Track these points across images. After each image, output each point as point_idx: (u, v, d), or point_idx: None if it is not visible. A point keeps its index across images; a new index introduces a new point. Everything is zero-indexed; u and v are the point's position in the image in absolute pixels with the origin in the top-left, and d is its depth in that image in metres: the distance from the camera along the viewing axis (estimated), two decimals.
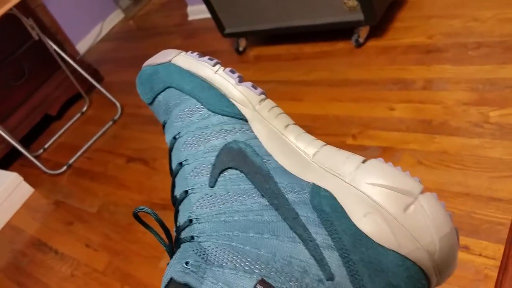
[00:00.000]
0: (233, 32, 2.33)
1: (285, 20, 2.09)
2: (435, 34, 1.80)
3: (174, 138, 0.43)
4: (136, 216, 0.40)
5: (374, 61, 1.86)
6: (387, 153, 1.46)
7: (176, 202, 0.40)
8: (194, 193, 0.39)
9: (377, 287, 0.30)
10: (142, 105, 2.38)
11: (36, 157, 2.45)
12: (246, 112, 0.41)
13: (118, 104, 2.60)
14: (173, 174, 0.42)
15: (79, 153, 2.43)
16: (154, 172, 2.02)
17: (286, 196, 0.35)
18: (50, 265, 1.85)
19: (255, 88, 0.42)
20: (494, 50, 1.58)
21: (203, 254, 0.33)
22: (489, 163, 1.27)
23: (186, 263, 0.33)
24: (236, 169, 0.38)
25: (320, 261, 0.31)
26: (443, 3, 1.92)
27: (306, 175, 0.36)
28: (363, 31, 1.95)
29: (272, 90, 2.04)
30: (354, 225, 0.31)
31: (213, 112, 0.41)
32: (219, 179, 0.38)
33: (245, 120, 0.40)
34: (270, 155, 0.38)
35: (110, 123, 2.54)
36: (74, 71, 2.65)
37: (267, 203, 0.35)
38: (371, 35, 1.98)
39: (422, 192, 0.32)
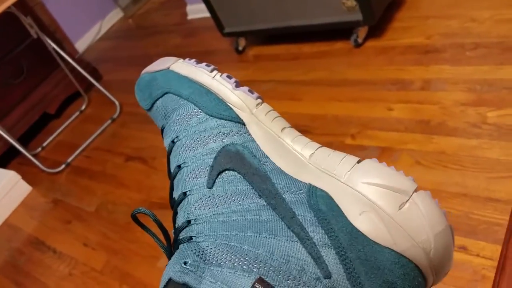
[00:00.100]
0: (233, 32, 2.33)
1: (284, 20, 2.09)
2: (433, 34, 1.80)
3: (173, 141, 0.43)
4: (134, 217, 0.40)
5: (373, 61, 1.86)
6: (386, 153, 1.47)
7: (174, 204, 0.41)
8: (192, 194, 0.39)
9: (374, 285, 0.31)
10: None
11: (35, 156, 2.45)
12: (243, 115, 0.41)
13: (117, 103, 2.60)
14: (172, 177, 0.42)
15: (78, 151, 2.43)
16: (153, 171, 2.02)
17: (283, 196, 0.35)
18: (48, 264, 1.86)
19: (252, 93, 0.42)
20: (492, 51, 1.59)
21: (202, 254, 0.34)
22: (487, 163, 1.27)
23: (185, 263, 0.33)
24: (234, 170, 0.38)
25: (318, 259, 0.31)
26: (441, 3, 1.93)
27: (303, 176, 0.37)
28: (362, 31, 1.95)
29: (271, 90, 2.04)
30: (350, 223, 0.32)
31: (211, 116, 0.42)
32: (217, 181, 0.38)
33: (242, 123, 0.41)
34: (267, 157, 0.39)
35: (109, 121, 2.54)
36: (73, 69, 2.65)
37: (264, 203, 0.36)
38: (370, 35, 1.98)
39: (416, 191, 0.33)
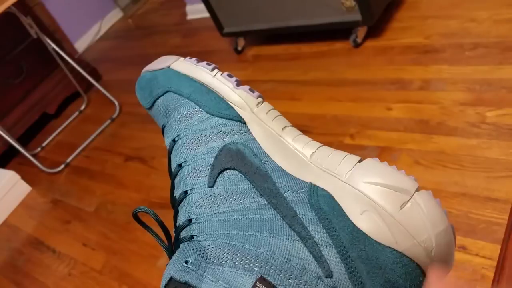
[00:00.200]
0: (232, 32, 2.33)
1: (283, 20, 2.09)
2: (432, 34, 1.80)
3: (173, 140, 0.43)
4: (135, 216, 0.40)
5: (372, 61, 1.86)
6: (385, 153, 1.47)
7: (175, 203, 0.41)
8: (193, 193, 0.39)
9: (376, 284, 0.31)
10: (140, 104, 2.38)
11: (34, 156, 2.45)
12: (244, 114, 0.41)
13: (116, 103, 2.60)
14: (173, 176, 0.42)
15: (77, 151, 2.43)
16: (152, 171, 2.02)
17: (285, 195, 0.35)
18: (47, 264, 1.85)
19: (253, 92, 0.42)
20: (491, 51, 1.59)
21: (203, 253, 0.34)
22: (486, 163, 1.27)
23: (186, 262, 0.33)
24: (235, 169, 0.38)
25: (319, 259, 0.31)
26: (440, 3, 1.93)
27: (304, 175, 0.37)
28: (361, 31, 1.96)
29: (270, 90, 2.04)
30: (352, 223, 0.32)
31: (212, 114, 0.42)
32: (218, 180, 0.38)
33: (243, 122, 0.41)
34: (268, 156, 0.39)
35: (108, 121, 2.54)
36: (72, 69, 2.65)
37: (265, 202, 0.36)
38: (369, 35, 1.98)
39: (417, 190, 0.33)
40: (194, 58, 0.46)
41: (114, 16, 3.98)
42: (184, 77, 0.45)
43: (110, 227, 1.86)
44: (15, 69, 2.63)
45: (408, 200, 0.32)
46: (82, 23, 3.76)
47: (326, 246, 0.32)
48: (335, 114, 1.72)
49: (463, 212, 1.20)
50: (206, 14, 2.50)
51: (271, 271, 0.31)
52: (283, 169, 0.38)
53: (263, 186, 0.37)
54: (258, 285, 0.30)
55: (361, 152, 1.52)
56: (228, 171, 0.39)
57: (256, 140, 0.40)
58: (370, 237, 0.31)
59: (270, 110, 0.42)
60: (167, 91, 0.45)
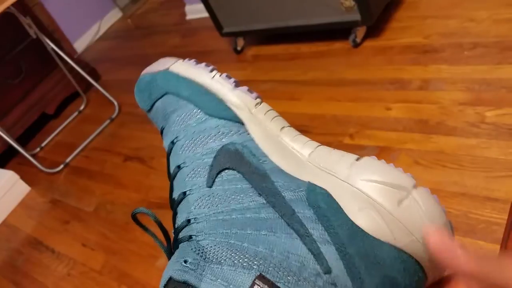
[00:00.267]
0: (231, 32, 2.33)
1: (282, 20, 2.09)
2: (431, 34, 1.81)
3: (172, 142, 0.43)
4: (134, 218, 0.41)
5: (371, 61, 1.86)
6: (384, 153, 1.47)
7: (174, 205, 0.41)
8: (192, 194, 0.39)
9: (374, 280, 0.31)
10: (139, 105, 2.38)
11: (33, 156, 2.44)
12: (242, 115, 0.41)
13: (115, 103, 2.60)
14: (171, 178, 0.42)
15: (76, 151, 2.43)
16: (151, 171, 2.02)
17: (283, 194, 0.36)
18: (47, 264, 1.85)
19: (251, 92, 0.42)
20: (490, 51, 1.59)
21: (202, 252, 0.34)
22: (486, 163, 1.27)
23: (185, 262, 0.34)
24: (233, 169, 0.38)
25: (318, 255, 0.31)
26: (439, 3, 1.93)
27: (302, 175, 0.37)
28: (360, 31, 1.96)
29: (269, 90, 2.04)
30: (350, 220, 0.32)
31: (210, 115, 0.42)
32: (216, 180, 0.39)
33: (241, 123, 0.41)
34: (266, 156, 0.39)
35: (108, 121, 2.54)
36: (71, 69, 2.65)
37: (264, 201, 0.36)
38: (368, 35, 1.98)
39: (415, 187, 0.33)
40: (193, 60, 0.46)
41: (113, 16, 3.98)
42: (183, 79, 0.45)
43: (110, 227, 1.85)
44: (14, 69, 2.63)
45: (406, 197, 0.32)
46: (81, 23, 3.76)
47: (325, 243, 0.32)
48: (334, 114, 1.72)
49: (462, 212, 1.20)
50: (206, 14, 2.50)
51: (270, 268, 0.31)
52: (281, 169, 0.38)
53: (261, 186, 0.37)
54: (257, 283, 0.30)
55: (361, 152, 1.52)
56: (226, 171, 0.39)
57: (254, 141, 0.40)
58: (368, 234, 0.32)
59: (268, 111, 0.42)
60: (166, 93, 0.45)
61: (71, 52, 3.43)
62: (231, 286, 0.31)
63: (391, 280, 0.31)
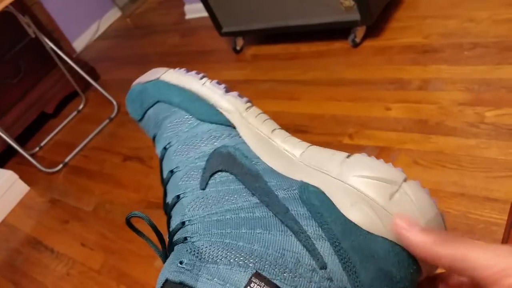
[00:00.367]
0: (230, 31, 2.33)
1: (282, 19, 2.09)
2: (431, 34, 1.81)
3: (165, 148, 0.44)
4: (128, 222, 0.41)
5: (371, 61, 1.86)
6: (384, 153, 1.47)
7: (168, 208, 0.41)
8: (186, 196, 0.40)
9: (369, 273, 0.31)
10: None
11: (32, 155, 2.44)
12: (233, 119, 0.42)
13: (114, 102, 2.60)
14: (165, 183, 0.43)
15: (75, 151, 2.43)
16: (150, 171, 2.02)
17: (276, 193, 0.36)
18: (46, 264, 1.85)
19: (241, 97, 0.43)
20: (490, 51, 1.59)
21: (197, 253, 0.34)
22: (485, 163, 1.27)
23: (181, 263, 0.34)
24: (226, 171, 0.39)
25: (313, 251, 0.32)
26: (439, 3, 1.93)
27: (294, 174, 0.37)
28: (360, 31, 1.96)
29: (269, 90, 2.04)
30: (343, 215, 0.32)
31: (202, 120, 0.43)
32: (210, 182, 0.39)
33: (233, 127, 0.42)
34: (258, 158, 0.40)
35: (107, 121, 2.53)
36: (70, 69, 2.65)
37: (257, 201, 0.36)
38: (368, 35, 1.98)
39: (405, 180, 0.34)
40: (184, 68, 0.47)
41: (112, 16, 3.98)
42: (174, 87, 0.46)
43: (109, 227, 1.85)
44: (13, 68, 2.62)
45: (397, 191, 0.33)
46: (80, 23, 3.76)
47: (319, 239, 0.32)
48: (333, 114, 1.72)
49: (461, 212, 1.20)
50: (205, 14, 2.50)
51: (266, 266, 0.31)
52: (273, 169, 0.38)
53: (254, 186, 0.37)
54: (253, 280, 0.30)
55: (360, 152, 1.51)
56: (219, 173, 0.39)
57: (246, 143, 0.41)
58: (361, 228, 0.32)
59: (259, 114, 0.43)
60: (157, 101, 0.46)
61: (70, 52, 3.43)
62: (227, 284, 0.31)
63: (386, 273, 0.31)
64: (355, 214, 0.32)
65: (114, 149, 2.30)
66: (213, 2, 2.22)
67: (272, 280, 0.30)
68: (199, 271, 0.32)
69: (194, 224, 0.37)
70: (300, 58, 2.13)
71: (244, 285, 0.30)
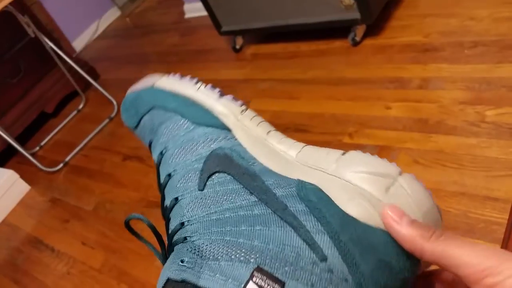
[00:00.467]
0: (230, 30, 2.33)
1: (282, 18, 2.09)
2: (431, 32, 1.80)
3: (161, 153, 0.45)
4: (127, 225, 0.42)
5: (371, 60, 1.86)
6: (384, 152, 1.47)
7: (166, 212, 0.41)
8: (184, 198, 0.40)
9: (369, 264, 0.32)
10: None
11: (32, 155, 2.44)
12: (229, 122, 0.43)
13: (114, 102, 2.60)
14: (162, 187, 0.43)
15: (76, 150, 2.43)
16: (150, 170, 2.02)
17: (274, 191, 0.36)
18: (46, 263, 1.85)
19: (236, 100, 0.44)
20: (490, 49, 1.59)
21: (198, 251, 0.34)
22: (485, 162, 1.27)
23: (182, 261, 0.34)
24: (224, 172, 0.40)
25: (312, 245, 0.32)
26: (439, 2, 1.93)
27: (291, 173, 0.38)
28: (360, 30, 1.95)
29: (269, 89, 2.04)
30: (341, 210, 0.33)
31: (198, 124, 0.43)
32: (208, 183, 0.40)
33: (228, 129, 0.43)
34: (255, 159, 0.40)
35: (107, 120, 2.53)
36: (70, 68, 2.65)
37: (256, 199, 0.36)
38: (368, 33, 1.98)
39: (400, 174, 0.34)
40: (178, 74, 0.47)
41: (112, 15, 3.97)
42: (168, 93, 0.46)
43: (109, 226, 1.86)
44: (13, 68, 2.62)
45: (392, 184, 0.34)
46: (80, 22, 3.76)
47: (318, 233, 0.32)
48: (333, 113, 1.72)
49: (462, 211, 1.20)
50: (204, 13, 2.50)
51: (267, 260, 0.32)
52: (270, 169, 0.39)
53: (252, 185, 0.37)
54: (255, 275, 0.31)
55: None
56: (217, 174, 0.40)
57: (242, 145, 0.41)
58: (360, 221, 0.32)
59: (254, 117, 0.43)
60: (152, 108, 0.47)
61: (69, 51, 3.43)
62: (230, 279, 0.31)
63: (386, 264, 0.32)
64: (353, 208, 0.33)
65: (114, 148, 2.30)
66: (213, 1, 2.22)
67: (274, 274, 0.31)
68: (201, 268, 0.33)
69: (193, 224, 0.37)
70: (300, 57, 2.13)
71: (246, 279, 0.31)
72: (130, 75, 2.86)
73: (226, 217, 0.36)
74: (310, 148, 0.39)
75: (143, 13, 3.77)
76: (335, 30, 2.06)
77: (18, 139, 2.47)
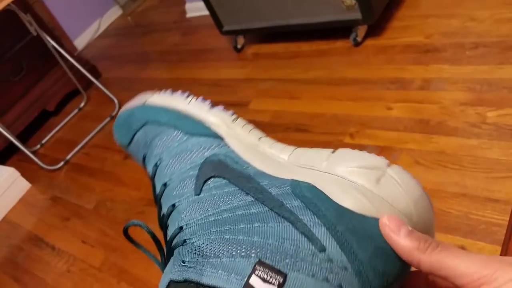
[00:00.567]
0: (231, 30, 2.33)
1: (283, 18, 2.09)
2: (433, 33, 1.81)
3: (156, 165, 0.45)
4: (126, 233, 0.42)
5: (372, 60, 1.86)
6: (385, 153, 1.47)
7: (164, 219, 0.42)
8: (181, 204, 0.41)
9: (367, 252, 0.32)
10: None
11: (33, 153, 2.45)
12: (221, 131, 0.44)
13: (115, 100, 2.60)
14: (158, 198, 0.44)
15: (77, 149, 2.43)
16: None
17: (269, 191, 0.37)
18: (47, 261, 1.86)
19: (227, 110, 0.46)
20: (492, 50, 1.59)
21: (198, 251, 0.35)
22: (486, 163, 1.28)
23: (183, 262, 0.35)
24: (219, 176, 0.40)
25: (311, 237, 0.33)
26: (441, 2, 1.93)
27: (285, 175, 0.39)
28: (361, 30, 1.96)
29: (269, 88, 2.04)
30: (336, 203, 0.34)
31: (191, 134, 0.45)
32: (204, 188, 0.40)
33: (221, 138, 0.44)
34: (248, 163, 0.41)
35: (108, 119, 2.54)
36: (72, 67, 2.65)
37: (252, 199, 0.37)
38: (369, 34, 1.98)
39: (389, 165, 0.36)
40: (169, 90, 0.49)
41: (113, 14, 3.98)
42: (161, 108, 0.47)
43: (109, 225, 1.86)
44: (15, 66, 2.63)
45: (383, 175, 0.35)
46: (81, 21, 3.76)
47: (315, 226, 0.33)
48: (334, 113, 1.72)
49: (463, 212, 1.20)
50: (206, 12, 2.50)
51: (267, 254, 0.32)
52: (264, 172, 0.40)
53: (248, 186, 0.38)
54: (257, 268, 0.31)
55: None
56: (212, 179, 0.41)
57: (235, 152, 0.42)
58: (354, 212, 0.33)
59: (245, 125, 0.45)
60: (146, 123, 0.48)
61: (71, 50, 3.43)
62: (232, 274, 0.32)
63: (383, 250, 0.33)
64: (347, 200, 0.34)
65: (115, 147, 2.30)
66: (215, 0, 2.22)
67: (275, 267, 0.32)
68: (203, 266, 0.33)
69: (191, 227, 0.38)
70: (301, 57, 2.13)
71: (249, 273, 0.31)
72: (131, 74, 2.86)
73: (224, 217, 0.37)
74: (301, 150, 0.40)
75: (144, 12, 3.77)
76: (336, 30, 2.06)
77: (19, 137, 2.47)
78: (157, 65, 2.83)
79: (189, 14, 3.18)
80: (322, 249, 0.32)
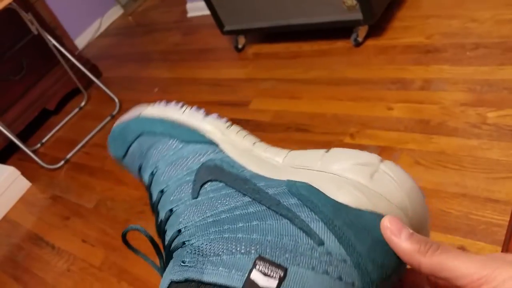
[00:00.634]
0: (232, 30, 2.33)
1: (284, 18, 2.09)
2: (433, 34, 1.81)
3: (152, 173, 0.46)
4: (124, 239, 0.43)
5: (373, 61, 1.86)
6: (385, 153, 1.47)
7: (162, 225, 0.42)
8: (179, 208, 0.41)
9: (365, 244, 0.33)
10: (140, 101, 2.38)
11: (34, 152, 2.45)
12: (215, 138, 0.45)
13: (116, 100, 2.60)
14: (155, 205, 0.44)
15: (77, 148, 2.43)
16: None
17: (266, 191, 0.38)
18: (47, 260, 1.86)
19: (221, 118, 0.46)
20: (492, 51, 1.59)
21: (198, 251, 0.35)
22: (487, 164, 1.28)
23: (183, 262, 0.35)
24: (216, 180, 0.41)
25: (309, 232, 0.33)
26: (442, 3, 1.93)
27: (280, 176, 0.39)
28: (362, 30, 1.96)
29: (270, 88, 2.04)
30: (332, 199, 0.35)
31: (187, 142, 0.45)
32: (201, 191, 0.41)
33: (216, 144, 0.45)
34: (244, 167, 0.42)
35: (109, 118, 2.54)
36: (72, 66, 2.65)
37: (249, 199, 0.38)
38: (370, 34, 1.98)
39: (381, 161, 0.37)
40: (163, 101, 0.49)
41: (114, 13, 3.98)
42: (155, 119, 0.48)
43: (110, 224, 1.86)
44: (15, 65, 2.63)
45: (376, 170, 0.36)
46: (82, 20, 3.76)
47: (313, 221, 0.34)
48: (335, 113, 1.72)
49: (463, 213, 1.20)
50: (207, 12, 2.50)
51: (267, 250, 0.33)
52: (260, 174, 0.41)
53: (244, 187, 0.39)
54: (258, 263, 0.32)
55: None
56: (209, 183, 0.41)
57: (230, 157, 0.43)
58: (350, 206, 0.34)
59: (239, 131, 0.45)
60: (141, 134, 0.48)
61: (72, 49, 3.43)
62: (233, 270, 0.32)
63: (381, 241, 0.33)
64: (343, 196, 0.34)
65: None
66: (216, 0, 2.22)
67: (275, 261, 0.32)
68: (203, 265, 0.33)
69: (190, 229, 0.38)
70: (302, 57, 2.13)
71: (249, 268, 0.32)
72: (132, 73, 2.87)
73: (223, 218, 0.37)
74: (295, 152, 0.41)
75: (145, 12, 3.78)
76: (337, 31, 2.06)
77: (19, 136, 2.47)
78: (158, 65, 2.83)
79: (190, 14, 3.18)
80: (321, 243, 0.33)
